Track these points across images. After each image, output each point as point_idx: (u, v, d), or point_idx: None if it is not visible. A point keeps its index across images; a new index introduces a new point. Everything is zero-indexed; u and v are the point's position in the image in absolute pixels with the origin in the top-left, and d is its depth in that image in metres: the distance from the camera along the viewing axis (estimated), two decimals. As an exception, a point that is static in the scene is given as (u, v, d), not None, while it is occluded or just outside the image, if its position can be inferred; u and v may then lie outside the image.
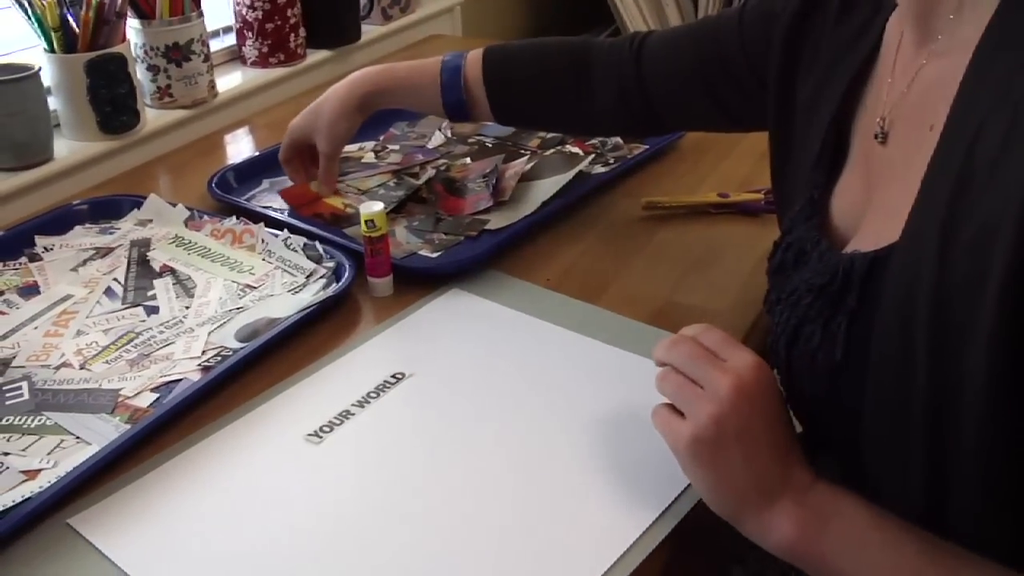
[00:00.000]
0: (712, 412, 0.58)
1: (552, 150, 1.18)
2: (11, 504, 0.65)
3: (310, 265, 0.92)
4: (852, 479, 0.60)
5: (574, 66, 0.94)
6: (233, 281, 0.92)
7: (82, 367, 0.80)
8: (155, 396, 0.76)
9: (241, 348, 0.81)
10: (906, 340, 0.53)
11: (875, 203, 0.64)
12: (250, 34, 1.40)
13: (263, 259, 0.94)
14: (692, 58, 0.87)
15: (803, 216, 0.70)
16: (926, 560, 0.54)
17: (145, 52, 1.22)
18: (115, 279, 0.93)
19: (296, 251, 0.93)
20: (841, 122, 0.70)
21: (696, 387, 0.60)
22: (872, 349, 0.56)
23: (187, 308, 0.88)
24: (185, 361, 0.80)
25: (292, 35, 1.41)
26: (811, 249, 0.67)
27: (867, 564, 0.56)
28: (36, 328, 0.85)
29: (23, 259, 0.96)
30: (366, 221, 0.86)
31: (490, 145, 1.21)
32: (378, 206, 0.87)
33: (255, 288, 0.90)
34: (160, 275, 0.93)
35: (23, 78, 1.06)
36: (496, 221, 1.01)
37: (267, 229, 0.96)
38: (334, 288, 0.87)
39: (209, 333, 0.84)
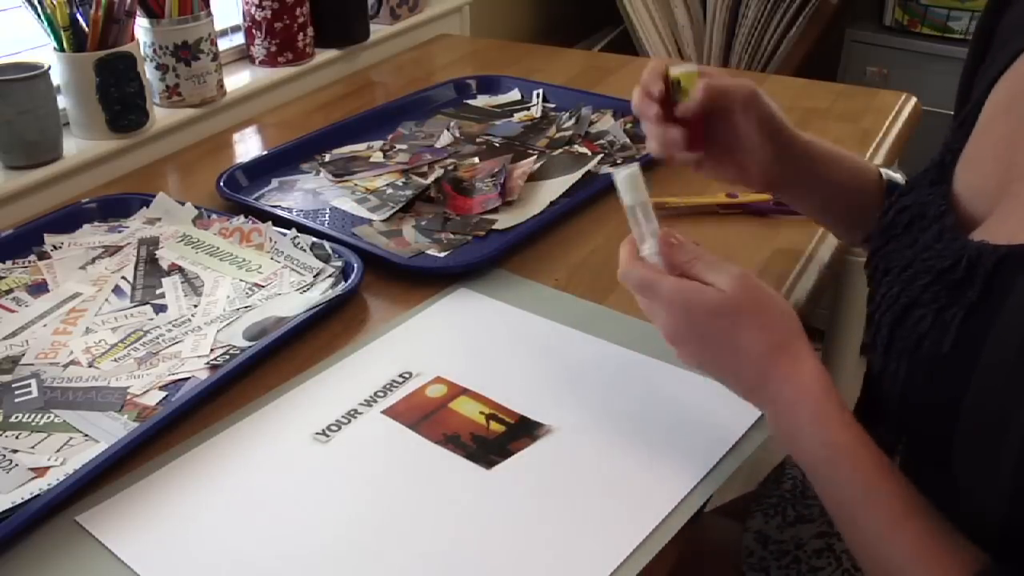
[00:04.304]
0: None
1: (560, 150, 1.18)
2: (20, 501, 0.65)
3: (318, 264, 0.92)
4: (937, 470, 0.58)
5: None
6: (241, 280, 0.92)
7: (90, 365, 0.80)
8: (163, 394, 0.76)
9: (249, 347, 0.81)
10: None
11: (1013, 195, 0.59)
12: (258, 33, 1.40)
13: (271, 258, 0.94)
14: None
15: (927, 179, 0.66)
16: (881, 475, 0.58)
17: (154, 51, 1.23)
18: (123, 277, 0.93)
19: (304, 250, 0.93)
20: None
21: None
22: (984, 349, 0.53)
23: (195, 307, 0.88)
24: (193, 359, 0.80)
25: (300, 34, 1.41)
26: (933, 218, 0.63)
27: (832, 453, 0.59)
28: (45, 326, 0.86)
29: (32, 257, 0.96)
30: (675, 82, 0.74)
31: (498, 145, 1.21)
32: (690, 66, 0.74)
33: (263, 287, 0.90)
34: (168, 273, 0.94)
35: (33, 77, 1.06)
36: (504, 221, 1.01)
37: (275, 228, 0.97)
38: (342, 287, 0.87)
39: (217, 332, 0.84)
